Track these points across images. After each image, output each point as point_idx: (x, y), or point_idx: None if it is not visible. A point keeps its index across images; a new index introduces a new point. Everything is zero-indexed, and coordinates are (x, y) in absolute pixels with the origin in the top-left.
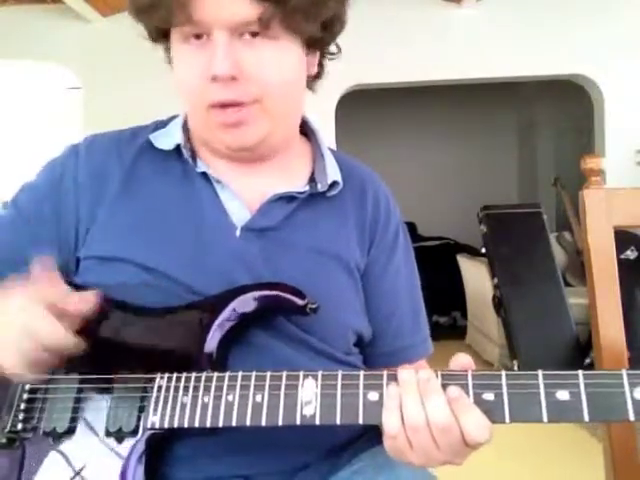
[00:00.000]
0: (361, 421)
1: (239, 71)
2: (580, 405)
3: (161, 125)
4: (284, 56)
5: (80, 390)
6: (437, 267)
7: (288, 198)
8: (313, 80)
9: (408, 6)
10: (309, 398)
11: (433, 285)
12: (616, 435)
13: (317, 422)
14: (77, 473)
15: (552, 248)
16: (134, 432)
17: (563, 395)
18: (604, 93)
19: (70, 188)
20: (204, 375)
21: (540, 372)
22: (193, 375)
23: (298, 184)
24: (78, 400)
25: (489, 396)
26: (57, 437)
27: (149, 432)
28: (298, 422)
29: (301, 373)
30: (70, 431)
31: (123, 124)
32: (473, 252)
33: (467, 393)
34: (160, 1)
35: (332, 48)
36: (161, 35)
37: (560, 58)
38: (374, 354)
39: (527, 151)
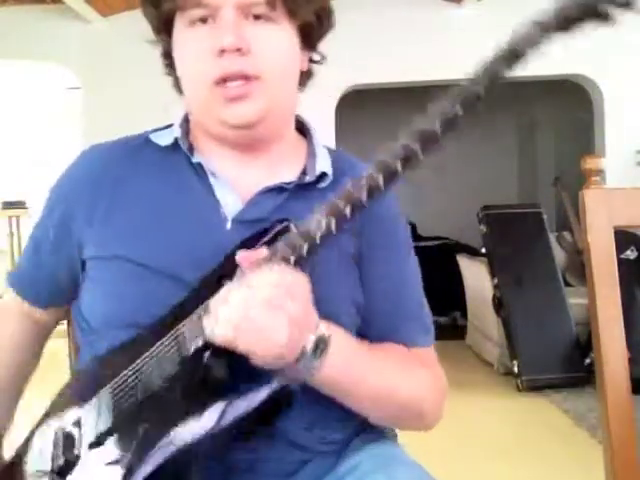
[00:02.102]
0: None
1: (245, 44)
2: None
3: (157, 129)
4: (284, 39)
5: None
6: (437, 267)
7: (278, 190)
8: (304, 77)
9: (408, 6)
10: None
11: (433, 285)
12: (616, 436)
13: None
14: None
15: (552, 248)
16: None
17: None
18: (604, 93)
19: (69, 197)
20: None
21: None
22: None
23: (289, 177)
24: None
25: None
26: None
27: None
28: None
29: None
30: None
31: (123, 124)
32: (473, 252)
33: None
34: None
35: (317, 56)
36: (164, 27)
37: (560, 58)
38: (369, 335)
39: (527, 151)
